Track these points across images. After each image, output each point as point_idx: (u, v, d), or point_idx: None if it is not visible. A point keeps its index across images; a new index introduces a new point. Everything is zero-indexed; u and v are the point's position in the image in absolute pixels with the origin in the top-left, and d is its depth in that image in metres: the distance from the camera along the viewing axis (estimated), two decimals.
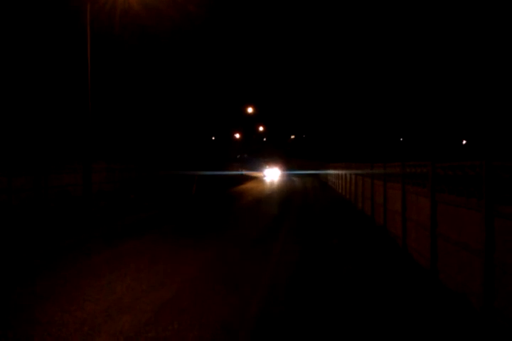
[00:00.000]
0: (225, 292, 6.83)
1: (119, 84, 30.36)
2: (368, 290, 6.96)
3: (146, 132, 35.21)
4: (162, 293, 6.77)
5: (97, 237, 12.08)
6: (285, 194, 27.67)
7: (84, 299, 6.46)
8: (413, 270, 8.22)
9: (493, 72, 46.76)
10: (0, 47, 22.57)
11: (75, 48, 20.16)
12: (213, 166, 42.85)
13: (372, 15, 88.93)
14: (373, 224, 14.02)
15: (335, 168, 31.46)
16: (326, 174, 41.88)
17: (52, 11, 23.42)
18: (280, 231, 12.68)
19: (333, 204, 20.84)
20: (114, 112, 30.87)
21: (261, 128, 75.67)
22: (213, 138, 53.70)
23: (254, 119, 66.55)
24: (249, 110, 55.05)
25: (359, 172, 18.25)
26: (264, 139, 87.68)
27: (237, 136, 67.70)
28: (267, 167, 60.65)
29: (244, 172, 61.42)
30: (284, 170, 61.99)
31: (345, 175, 23.84)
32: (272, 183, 42.14)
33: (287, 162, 69.85)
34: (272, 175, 57.37)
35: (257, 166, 68.06)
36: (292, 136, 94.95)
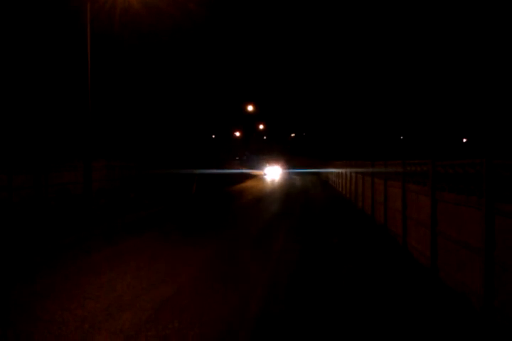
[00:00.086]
0: (225, 290, 6.83)
1: (119, 82, 30.34)
2: (368, 289, 6.96)
3: (146, 130, 35.19)
4: (162, 291, 6.77)
5: (97, 235, 12.09)
6: (285, 193, 27.66)
7: (84, 297, 6.47)
8: (413, 268, 8.22)
9: (493, 71, 46.71)
10: (1, 46, 22.56)
11: (75, 47, 20.13)
12: (213, 164, 42.88)
13: (372, 14, 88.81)
14: (373, 222, 14.02)
15: (335, 166, 31.45)
16: (326, 172, 41.87)
17: (52, 10, 23.38)
18: (280, 230, 12.67)
19: (333, 203, 20.84)
20: (115, 110, 30.85)
21: (261, 127, 75.66)
22: (213, 136, 53.67)
23: (255, 117, 66.55)
24: (250, 108, 55.02)
25: (359, 170, 18.24)
26: (265, 137, 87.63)
27: (238, 134, 67.74)
28: (267, 165, 60.61)
29: (245, 170, 61.40)
30: (284, 169, 61.96)
31: (346, 173, 23.82)
32: (271, 182, 42.12)
33: (287, 160, 69.78)
34: (272, 173, 57.33)
35: (257, 164, 68.02)
36: (292, 134, 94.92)
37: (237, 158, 76.54)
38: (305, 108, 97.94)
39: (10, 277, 7.77)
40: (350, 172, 21.46)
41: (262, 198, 23.54)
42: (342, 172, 26.00)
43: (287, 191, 28.80)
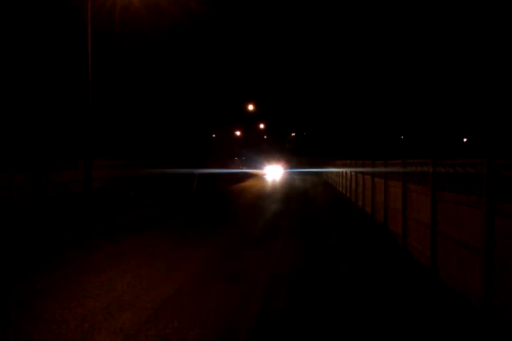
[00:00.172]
0: (225, 290, 6.83)
1: (119, 80, 30.33)
2: (368, 289, 6.96)
3: (147, 129, 35.18)
4: (162, 290, 6.77)
5: (97, 233, 12.10)
6: (285, 192, 27.66)
7: (84, 295, 6.47)
8: (413, 268, 8.22)
9: (494, 70, 46.68)
10: (1, 45, 22.54)
11: (76, 45, 20.12)
12: (214, 164, 42.86)
13: (372, 14, 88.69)
14: (373, 222, 14.02)
15: (335, 166, 31.43)
16: (327, 172, 41.85)
17: (52, 9, 23.36)
18: (280, 230, 12.68)
19: (333, 203, 20.84)
20: (115, 109, 30.84)
21: (261, 126, 75.60)
22: (214, 135, 53.65)
23: (255, 117, 66.49)
24: (250, 107, 54.97)
25: (359, 170, 18.23)
26: (265, 137, 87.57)
27: (238, 133, 67.70)
28: (267, 164, 60.62)
29: (245, 169, 61.40)
30: (284, 168, 61.97)
31: (346, 173, 23.81)
32: (271, 181, 42.13)
33: (287, 159, 69.76)
34: (272, 172, 57.35)
35: (258, 164, 68.01)
36: (293, 134, 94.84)
37: (237, 157, 76.52)
38: (305, 107, 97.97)
39: (10, 275, 7.77)
40: (351, 172, 21.45)
41: (262, 197, 23.54)
42: (342, 172, 25.98)
43: (287, 190, 28.80)
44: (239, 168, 60.63)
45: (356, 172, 19.32)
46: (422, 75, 60.79)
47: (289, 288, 7.00)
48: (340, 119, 77.90)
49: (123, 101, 31.72)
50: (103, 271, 7.80)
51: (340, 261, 8.75)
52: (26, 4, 23.40)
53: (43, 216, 14.97)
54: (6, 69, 23.31)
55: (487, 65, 48.26)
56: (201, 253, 9.42)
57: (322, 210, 17.41)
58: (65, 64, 25.45)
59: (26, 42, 24.19)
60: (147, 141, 35.35)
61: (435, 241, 7.46)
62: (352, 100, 76.93)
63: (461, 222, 6.31)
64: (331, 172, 36.11)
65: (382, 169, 12.79)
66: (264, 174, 55.45)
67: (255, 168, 66.06)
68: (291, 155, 76.74)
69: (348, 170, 22.87)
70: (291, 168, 64.33)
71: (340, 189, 27.16)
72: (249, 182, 38.14)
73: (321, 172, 48.84)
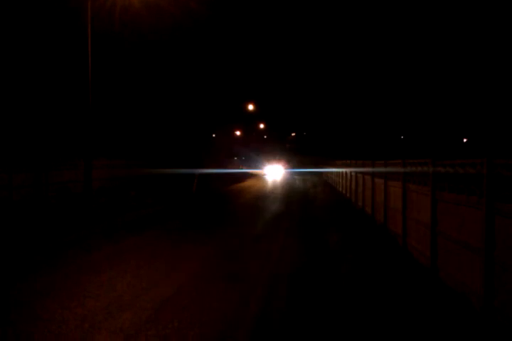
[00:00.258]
0: (225, 290, 6.83)
1: (120, 81, 30.32)
2: (368, 289, 6.96)
3: (147, 129, 35.16)
4: (162, 290, 6.77)
5: (97, 233, 12.10)
6: (285, 192, 27.66)
7: (84, 295, 6.47)
8: (413, 268, 8.22)
9: (494, 70, 46.68)
10: (1, 45, 22.55)
11: (76, 45, 20.12)
12: (214, 164, 42.84)
13: (372, 14, 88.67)
14: (373, 222, 14.02)
15: (335, 166, 31.44)
16: (327, 172, 41.87)
17: (52, 9, 23.36)
18: (280, 230, 12.68)
19: (333, 203, 20.83)
20: (115, 109, 30.83)
21: (261, 126, 75.56)
22: (214, 135, 53.61)
23: (255, 117, 66.45)
24: (250, 107, 54.95)
25: (359, 170, 18.23)
26: (265, 136, 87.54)
27: (238, 133, 67.65)
28: (267, 164, 60.64)
29: (245, 169, 61.41)
30: (284, 168, 61.99)
31: (346, 173, 23.82)
32: (271, 181, 42.14)
33: (287, 159, 69.78)
34: (272, 172, 57.38)
35: (258, 164, 68.00)
36: (293, 134, 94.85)
37: (237, 156, 76.50)
38: (305, 107, 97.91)
39: (10, 275, 7.77)
40: (351, 172, 21.45)
41: (262, 197, 23.54)
42: (342, 172, 25.99)
43: (287, 190, 28.80)
44: (239, 168, 60.60)
45: (356, 173, 19.32)
46: (422, 75, 60.80)
47: (289, 288, 7.00)
48: (340, 119, 77.90)
49: (123, 101, 31.72)
50: (103, 271, 7.80)
51: (340, 261, 8.75)
52: (26, 4, 23.40)
53: (43, 216, 14.97)
54: (6, 69, 23.31)
55: (487, 65, 48.27)
56: (201, 254, 9.42)
57: (322, 210, 17.41)
58: (65, 64, 25.45)
59: (26, 43, 24.19)
60: (147, 141, 35.34)
61: (435, 241, 7.46)
62: (352, 100, 76.95)
63: (461, 222, 6.31)
64: (331, 173, 36.12)
65: (382, 169, 12.79)
66: (264, 174, 55.46)
67: (255, 168, 66.05)
68: (291, 155, 76.76)
69: (348, 170, 22.87)
70: (291, 167, 64.36)
71: (340, 189, 27.16)
72: (249, 183, 38.15)
73: (321, 173, 48.84)
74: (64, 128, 26.96)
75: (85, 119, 16.49)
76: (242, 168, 62.40)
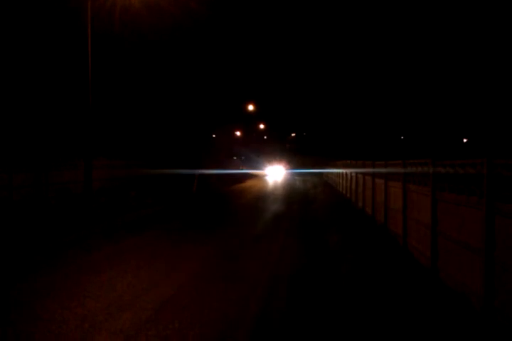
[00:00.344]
0: (225, 290, 6.82)
1: (120, 81, 30.31)
2: (369, 289, 6.96)
3: (147, 130, 35.15)
4: (162, 290, 6.77)
5: (97, 233, 12.10)
6: (285, 192, 27.67)
7: (84, 296, 6.47)
8: (413, 268, 8.22)
9: (494, 70, 46.68)
10: (1, 45, 22.55)
11: (76, 45, 20.12)
12: (214, 164, 42.83)
13: (372, 14, 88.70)
14: (374, 222, 14.02)
15: (336, 166, 31.46)
16: (327, 172, 41.88)
17: (52, 9, 23.36)
18: (280, 230, 12.68)
19: (333, 203, 20.83)
20: (115, 109, 30.82)
21: (261, 126, 75.55)
22: (214, 135, 53.57)
23: (255, 117, 66.43)
24: (250, 108, 54.96)
25: (360, 170, 18.23)
26: (265, 137, 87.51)
27: (238, 133, 67.61)
28: (267, 165, 60.68)
29: (245, 170, 61.41)
30: (284, 168, 62.00)
31: (346, 173, 23.82)
32: (271, 181, 42.16)
33: (288, 160, 69.83)
34: (272, 173, 57.43)
35: (258, 164, 68.03)
36: (293, 134, 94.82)
37: (237, 157, 76.48)
38: (306, 108, 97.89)
39: (10, 275, 7.77)
40: (351, 172, 21.45)
41: (262, 198, 23.55)
42: (342, 173, 26.00)
43: (287, 191, 28.81)
44: (239, 169, 60.58)
45: (356, 173, 19.32)
46: (422, 75, 60.81)
47: (289, 289, 6.99)
48: (341, 120, 77.89)
49: (123, 101, 31.71)
50: (103, 271, 7.80)
51: (340, 262, 8.75)
52: (26, 4, 23.41)
53: (43, 216, 14.97)
54: (7, 69, 23.31)
55: (487, 65, 48.27)
56: (201, 254, 9.42)
57: (322, 211, 17.40)
58: (66, 64, 25.44)
59: (26, 43, 24.19)
60: (147, 141, 35.33)
61: (435, 241, 7.46)
62: (352, 100, 76.96)
63: (462, 222, 6.31)
64: (331, 173, 36.13)
65: (383, 169, 12.78)
66: (265, 175, 55.47)
67: (255, 168, 66.07)
68: (292, 155, 76.80)
69: (348, 170, 22.88)
70: (291, 168, 64.37)
71: (341, 189, 27.16)
72: (249, 183, 38.17)
73: (322, 173, 48.86)
74: (64, 128, 26.95)
75: (85, 119, 16.49)
76: (242, 169, 62.38)
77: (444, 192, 6.98)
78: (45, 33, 24.33)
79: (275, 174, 56.35)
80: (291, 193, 26.43)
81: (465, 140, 58.76)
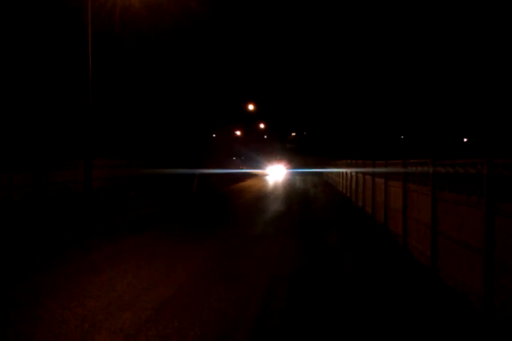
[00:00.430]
0: (225, 290, 6.82)
1: (120, 81, 30.31)
2: (369, 289, 6.96)
3: (147, 129, 35.15)
4: (162, 290, 6.77)
5: (97, 233, 12.09)
6: (285, 192, 27.66)
7: (84, 295, 6.47)
8: (413, 268, 8.22)
9: (494, 70, 46.66)
10: (1, 45, 22.55)
11: (76, 45, 20.11)
12: (214, 164, 42.84)
13: (372, 14, 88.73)
14: (374, 222, 14.02)
15: (336, 166, 31.47)
16: (327, 172, 41.89)
17: (52, 9, 23.36)
18: (280, 229, 12.67)
19: (333, 203, 20.83)
20: (115, 108, 30.82)
21: (262, 126, 75.53)
22: (214, 135, 53.56)
23: (255, 117, 66.43)
24: (250, 107, 54.97)
25: (360, 170, 18.23)
26: (265, 136, 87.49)
27: (238, 133, 67.59)
28: (267, 164, 60.69)
29: (245, 169, 61.41)
30: (284, 168, 62.00)
31: (346, 173, 23.82)
32: (271, 181, 42.16)
33: (287, 159, 69.81)
34: (272, 172, 57.44)
35: (258, 164, 68.04)
36: (293, 134, 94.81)
37: (237, 157, 76.49)
38: (306, 107, 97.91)
39: (10, 275, 7.77)
40: (351, 172, 21.45)
41: (262, 197, 23.54)
42: (343, 172, 25.99)
43: (287, 190, 28.80)
44: (239, 168, 60.56)
45: (357, 173, 19.32)
46: (422, 75, 60.79)
47: (289, 289, 6.99)
48: (341, 119, 77.89)
49: (123, 101, 31.71)
50: (103, 271, 7.80)
51: (340, 262, 8.74)
52: (26, 4, 23.40)
53: (43, 216, 14.97)
54: (7, 69, 23.30)
55: (487, 65, 48.25)
56: (201, 254, 9.41)
57: (322, 210, 17.40)
58: (66, 64, 25.44)
59: (27, 43, 24.19)
60: (147, 140, 35.34)
61: (435, 241, 7.46)
62: (352, 100, 76.95)
63: (462, 221, 6.31)
64: (332, 173, 36.13)
65: (383, 169, 12.78)
66: (265, 174, 55.48)
67: (256, 168, 66.05)
68: (292, 155, 76.78)
69: (348, 170, 22.88)
70: (291, 168, 64.37)
71: (341, 189, 27.16)
72: (249, 183, 38.17)
73: (322, 172, 48.86)
74: (64, 128, 26.96)
75: (85, 119, 16.49)
76: (242, 168, 62.36)
77: (444, 191, 6.98)
78: (45, 33, 24.33)
79: (275, 173, 56.35)
80: (291, 193, 26.43)
81: (465, 139, 58.74)
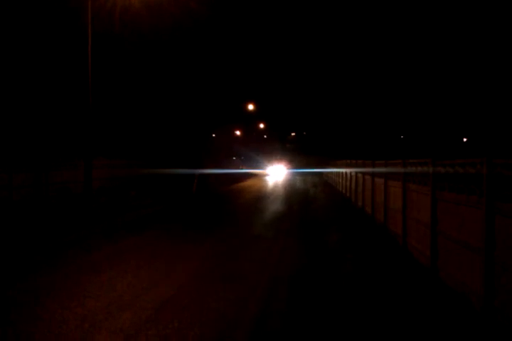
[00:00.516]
0: (225, 291, 6.81)
1: (120, 81, 30.31)
2: (369, 289, 6.96)
3: (147, 129, 35.16)
4: (162, 290, 6.77)
5: (97, 233, 12.09)
6: (285, 192, 27.66)
7: (84, 295, 6.47)
8: (413, 268, 8.22)
9: (494, 70, 46.66)
10: (1, 45, 22.54)
11: (76, 45, 20.11)
12: (214, 164, 42.86)
13: (372, 14, 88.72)
14: (373, 222, 14.02)
15: (335, 166, 31.47)
16: (327, 172, 41.89)
17: (52, 9, 23.35)
18: (280, 230, 12.67)
19: (333, 202, 20.84)
20: (115, 108, 30.82)
21: (261, 126, 75.53)
22: (214, 135, 53.56)
23: (255, 116, 66.43)
24: (250, 107, 54.95)
25: (359, 170, 18.23)
26: (265, 136, 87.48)
27: (238, 133, 67.59)
28: (267, 164, 60.69)
29: (245, 169, 61.42)
30: (284, 168, 62.01)
31: (346, 173, 23.83)
32: (271, 181, 42.16)
33: (287, 159, 69.83)
34: (272, 172, 57.45)
35: (258, 164, 68.07)
36: (293, 133, 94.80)
37: (237, 157, 76.49)
38: (306, 107, 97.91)
39: (10, 275, 7.77)
40: (351, 172, 21.45)
41: (262, 197, 23.54)
42: (342, 172, 25.99)
43: (287, 190, 28.79)
44: (239, 168, 60.59)
45: (356, 173, 19.32)
46: (422, 75, 60.79)
47: (289, 290, 6.99)
48: (340, 119, 77.88)
49: (123, 101, 31.71)
50: (103, 271, 7.80)
51: (340, 262, 8.74)
52: (27, 4, 23.40)
53: (43, 216, 14.97)
54: (7, 69, 23.30)
55: (487, 65, 48.26)
56: (201, 254, 9.41)
57: (322, 210, 17.40)
58: (66, 64, 25.43)
59: (27, 43, 24.18)
60: (147, 140, 35.34)
61: (435, 240, 7.46)
62: (352, 100, 76.94)
63: (462, 221, 6.31)
64: (331, 173, 36.14)
65: (383, 169, 12.78)
66: (264, 174, 55.49)
67: (255, 168, 66.07)
68: (291, 155, 76.78)
69: (348, 170, 22.88)
70: (291, 167, 64.38)
71: (341, 189, 27.16)
72: (249, 183, 38.17)
73: (322, 172, 48.88)
74: (64, 128, 26.96)
75: (85, 119, 16.48)
76: (242, 168, 62.38)
77: (444, 191, 6.98)
78: (45, 33, 24.33)
79: (275, 174, 56.36)
80: (290, 193, 26.43)
81: (465, 139, 58.73)
